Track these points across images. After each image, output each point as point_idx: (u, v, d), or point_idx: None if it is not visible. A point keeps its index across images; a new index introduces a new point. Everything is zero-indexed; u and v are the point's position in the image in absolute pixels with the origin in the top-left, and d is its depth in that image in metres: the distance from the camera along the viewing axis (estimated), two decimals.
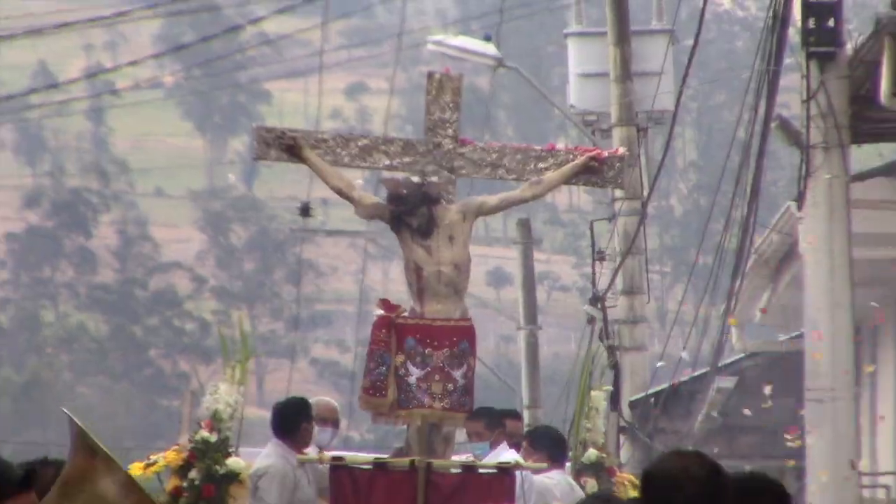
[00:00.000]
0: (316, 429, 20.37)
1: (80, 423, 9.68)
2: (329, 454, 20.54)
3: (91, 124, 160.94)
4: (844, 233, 22.66)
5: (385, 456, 20.84)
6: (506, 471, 19.27)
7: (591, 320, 32.00)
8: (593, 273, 32.26)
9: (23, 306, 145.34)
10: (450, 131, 20.57)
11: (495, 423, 20.89)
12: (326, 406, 21.26)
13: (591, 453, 21.49)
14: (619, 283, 31.60)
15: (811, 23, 22.40)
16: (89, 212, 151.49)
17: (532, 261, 42.18)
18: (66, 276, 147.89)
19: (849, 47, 24.14)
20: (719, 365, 31.09)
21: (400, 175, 21.05)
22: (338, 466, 19.28)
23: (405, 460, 19.76)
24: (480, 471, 19.41)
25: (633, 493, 18.50)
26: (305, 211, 21.31)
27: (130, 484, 9.22)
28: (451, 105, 20.73)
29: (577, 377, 25.35)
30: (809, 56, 22.56)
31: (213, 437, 19.39)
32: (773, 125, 26.03)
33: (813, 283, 23.22)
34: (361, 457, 20.46)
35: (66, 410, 10.98)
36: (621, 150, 27.19)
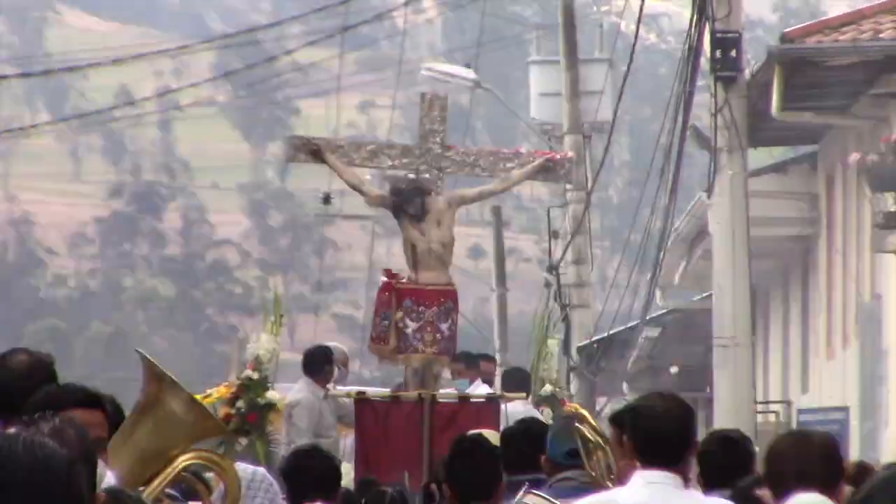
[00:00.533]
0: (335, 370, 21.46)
1: (150, 358, 9.80)
2: (354, 389, 20.91)
3: (161, 133, 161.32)
4: (744, 217, 22.61)
5: (388, 391, 20.87)
6: (492, 400, 19.59)
7: (547, 285, 32.12)
8: (549, 248, 32.34)
9: (108, 274, 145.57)
10: (438, 139, 20.59)
11: (472, 364, 21.49)
12: (341, 353, 21.68)
13: (547, 388, 21.44)
14: (569, 255, 31.38)
15: (718, 53, 22.32)
16: (160, 200, 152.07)
17: (502, 239, 41.84)
18: (142, 250, 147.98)
19: (747, 72, 24.57)
20: (647, 318, 31.00)
21: (400, 173, 20.95)
22: (362, 400, 19.52)
23: (414, 393, 19.87)
24: (472, 401, 19.65)
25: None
26: (326, 200, 21.17)
27: (192, 401, 9.35)
28: (439, 118, 20.74)
29: (536, 329, 26.34)
30: (716, 79, 22.50)
31: (256, 376, 19.45)
32: (688, 133, 25.44)
33: (719, 256, 23.28)
34: (379, 391, 20.56)
35: (139, 350, 10.85)
36: (570, 154, 27.52)
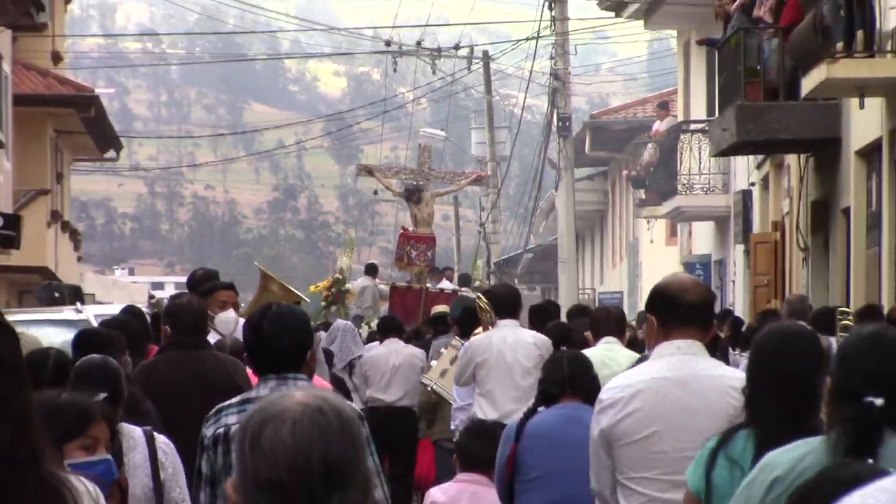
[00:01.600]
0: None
1: (262, 268, 9.69)
2: (388, 283, 20.84)
3: (297, 160, 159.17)
4: (572, 200, 21.30)
5: (405, 284, 20.85)
6: (453, 291, 18.72)
7: (479, 232, 31.25)
8: (480, 215, 30.62)
9: (272, 227, 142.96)
10: (426, 166, 20.29)
11: (441, 272, 20.53)
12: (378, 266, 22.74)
13: (476, 283, 20.95)
14: (490, 220, 31.57)
15: (560, 123, 20.74)
16: (297, 192, 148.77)
17: (458, 210, 39.43)
18: (288, 217, 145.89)
19: (575, 132, 22.97)
20: (526, 248, 30.81)
21: (409, 181, 20.29)
22: (393, 287, 18.94)
23: (417, 285, 19.41)
24: (443, 291, 19.55)
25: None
26: (375, 192, 21.67)
27: (283, 288, 8.57)
28: (427, 156, 20.65)
29: (473, 255, 25.53)
30: (560, 135, 21.03)
31: (340, 277, 19.30)
32: (547, 161, 25.55)
33: (560, 218, 22.29)
34: (401, 284, 20.12)
35: (256, 263, 10.65)
36: (489, 173, 27.51)
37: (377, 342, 11.23)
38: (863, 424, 2.79)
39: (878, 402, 2.80)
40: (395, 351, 10.47)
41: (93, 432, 3.01)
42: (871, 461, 2.71)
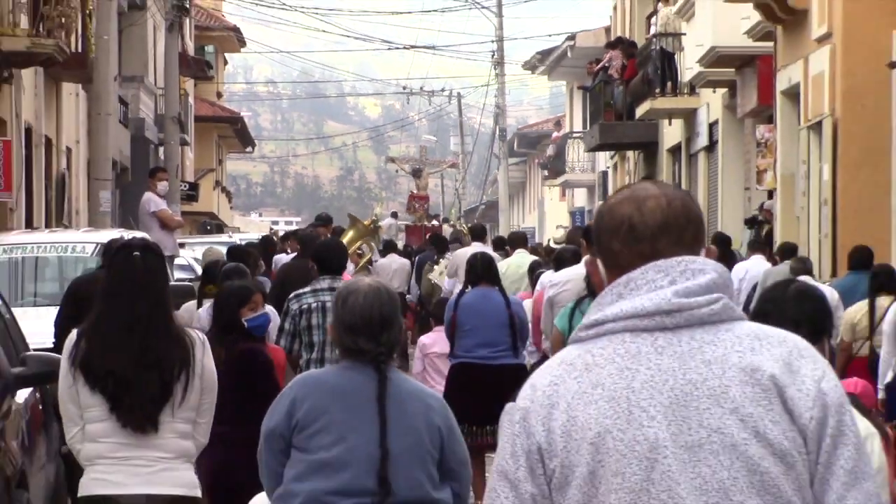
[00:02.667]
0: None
1: (352, 214, 12.32)
2: (402, 222, 21.69)
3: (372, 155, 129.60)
4: (507, 176, 26.31)
5: (411, 222, 21.56)
6: (446, 227, 19.63)
7: (455, 193, 33.63)
8: (455, 185, 34.96)
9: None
10: (424, 157, 24.74)
11: (434, 217, 23.06)
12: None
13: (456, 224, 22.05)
14: (461, 187, 34.53)
15: (502, 135, 25.40)
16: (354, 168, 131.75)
17: (443, 182, 42.95)
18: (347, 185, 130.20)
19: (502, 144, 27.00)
20: (480, 203, 34.65)
21: (416, 166, 23.62)
22: (408, 226, 20.87)
23: (420, 224, 21.04)
24: (439, 226, 20.47)
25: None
26: (396, 171, 29.45)
27: (363, 225, 10.95)
28: (425, 152, 25.25)
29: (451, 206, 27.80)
30: (497, 138, 25.53)
31: (375, 218, 19.06)
32: (493, 155, 27.86)
33: (500, 188, 27.15)
34: (410, 224, 21.16)
35: (349, 213, 12.87)
36: (458, 161, 31.18)
37: (383, 256, 12.47)
38: None
39: None
40: (394, 260, 12.26)
41: (254, 300, 4.35)
42: None
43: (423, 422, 2.68)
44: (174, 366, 3.10)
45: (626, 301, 1.41)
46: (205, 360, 3.18)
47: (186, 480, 3.21)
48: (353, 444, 2.66)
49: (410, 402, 2.69)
